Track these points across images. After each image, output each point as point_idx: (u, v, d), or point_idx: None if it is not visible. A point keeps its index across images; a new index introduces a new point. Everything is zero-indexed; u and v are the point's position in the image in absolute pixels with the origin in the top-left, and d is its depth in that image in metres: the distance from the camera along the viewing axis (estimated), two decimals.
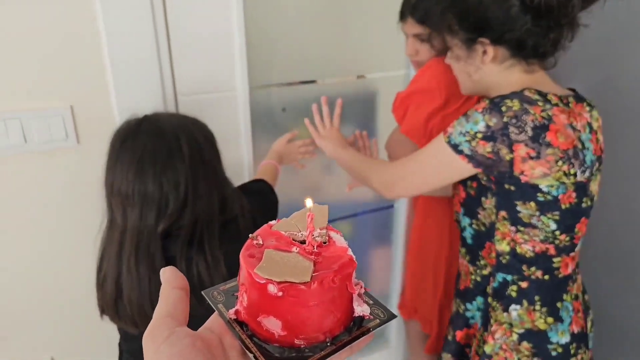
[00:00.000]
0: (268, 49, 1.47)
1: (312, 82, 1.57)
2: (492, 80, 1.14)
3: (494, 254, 1.18)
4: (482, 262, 1.22)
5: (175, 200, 1.01)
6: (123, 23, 1.20)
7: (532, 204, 1.07)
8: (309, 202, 0.43)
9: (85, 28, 1.18)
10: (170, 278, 0.42)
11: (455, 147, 1.07)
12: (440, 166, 1.12)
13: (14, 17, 1.11)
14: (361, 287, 0.43)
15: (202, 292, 0.45)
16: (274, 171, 1.44)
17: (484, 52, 1.10)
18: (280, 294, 0.39)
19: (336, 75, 1.61)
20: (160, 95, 1.30)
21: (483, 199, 1.14)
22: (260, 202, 1.25)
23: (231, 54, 1.36)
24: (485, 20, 1.07)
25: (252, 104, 1.45)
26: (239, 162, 1.48)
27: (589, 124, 1.10)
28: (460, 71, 1.18)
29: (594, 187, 1.13)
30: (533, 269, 1.14)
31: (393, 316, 0.43)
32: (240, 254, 0.42)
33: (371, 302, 0.44)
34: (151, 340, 0.38)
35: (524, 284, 1.15)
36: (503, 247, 1.15)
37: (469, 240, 1.24)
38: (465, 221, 1.22)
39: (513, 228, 1.12)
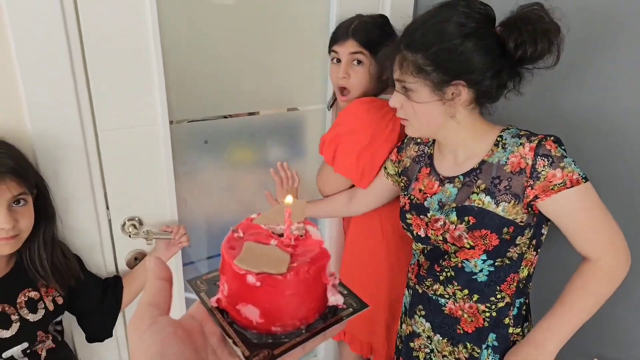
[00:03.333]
0: (189, 84, 1.50)
1: (234, 116, 1.64)
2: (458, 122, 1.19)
3: (515, 284, 1.22)
4: (500, 295, 1.23)
5: None
6: (38, 59, 1.20)
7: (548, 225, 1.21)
8: (289, 198, 0.46)
9: None
10: (154, 268, 0.44)
11: (587, 178, 1.10)
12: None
13: None
14: (335, 278, 0.46)
15: (186, 281, 0.48)
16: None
17: (454, 94, 1.13)
18: (258, 284, 0.42)
19: (256, 109, 1.68)
20: (79, 131, 1.30)
21: (519, 237, 1.17)
22: None
23: (150, 89, 1.37)
24: (465, 65, 1.09)
25: (174, 137, 1.46)
26: (161, 196, 1.50)
27: None
28: (431, 111, 1.16)
29: None
30: (530, 284, 1.27)
31: (365, 306, 0.47)
32: (222, 245, 0.45)
33: (345, 292, 0.47)
34: (135, 328, 0.40)
35: (527, 301, 1.28)
36: (524, 273, 1.22)
37: (482, 279, 1.23)
38: (485, 264, 1.21)
39: (534, 252, 1.22)
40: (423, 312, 1.35)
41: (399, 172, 1.42)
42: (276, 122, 1.75)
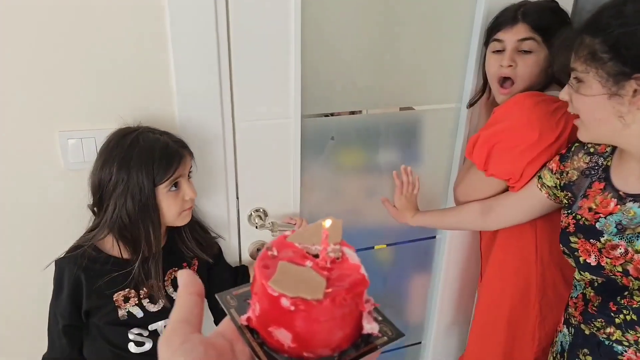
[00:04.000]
0: (322, 79, 1.50)
1: (360, 112, 1.63)
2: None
3: None
4: None
5: None
6: (190, 54, 1.28)
7: None
8: (327, 222, 0.44)
9: (153, 56, 1.27)
10: (187, 283, 0.44)
11: None
12: None
13: (98, 51, 1.23)
14: (371, 305, 0.44)
15: (216, 295, 0.48)
16: None
17: (636, 92, 0.96)
18: (292, 308, 0.40)
19: (383, 106, 1.64)
20: (219, 121, 1.38)
21: None
22: None
23: (286, 83, 1.40)
24: None
25: (303, 132, 1.49)
26: (286, 189, 1.54)
27: None
28: (598, 108, 1.01)
29: None
30: None
31: (401, 334, 0.44)
32: (255, 263, 0.44)
33: (380, 319, 0.45)
34: (166, 346, 0.40)
35: None
36: None
37: None
38: None
39: None
40: (589, 358, 1.18)
41: (561, 185, 1.24)
42: (407, 120, 1.70)
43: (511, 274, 1.50)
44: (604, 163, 1.16)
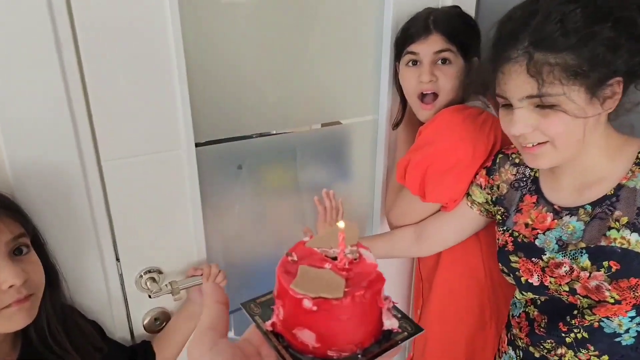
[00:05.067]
0: (220, 100, 1.33)
1: (269, 134, 1.46)
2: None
3: None
4: None
5: None
6: (13, 65, 0.97)
7: None
8: (341, 224, 0.49)
9: None
10: (212, 293, 0.48)
11: None
12: None
13: None
14: (390, 302, 0.47)
15: (240, 304, 0.50)
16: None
17: (608, 96, 0.90)
18: (314, 308, 0.44)
19: (296, 124, 1.51)
20: (76, 162, 1.09)
21: None
22: None
23: (171, 104, 1.18)
24: (625, 55, 0.87)
25: (200, 163, 1.27)
26: (185, 238, 1.32)
27: None
28: (580, 125, 0.91)
29: None
30: None
31: (420, 329, 0.48)
32: (277, 269, 0.48)
33: (399, 315, 0.49)
34: (196, 348, 0.43)
35: None
36: None
37: (628, 341, 1.00)
38: (633, 322, 0.99)
39: None
40: None
41: (493, 200, 1.20)
42: (323, 137, 1.58)
43: (462, 296, 1.45)
44: (532, 174, 1.12)
